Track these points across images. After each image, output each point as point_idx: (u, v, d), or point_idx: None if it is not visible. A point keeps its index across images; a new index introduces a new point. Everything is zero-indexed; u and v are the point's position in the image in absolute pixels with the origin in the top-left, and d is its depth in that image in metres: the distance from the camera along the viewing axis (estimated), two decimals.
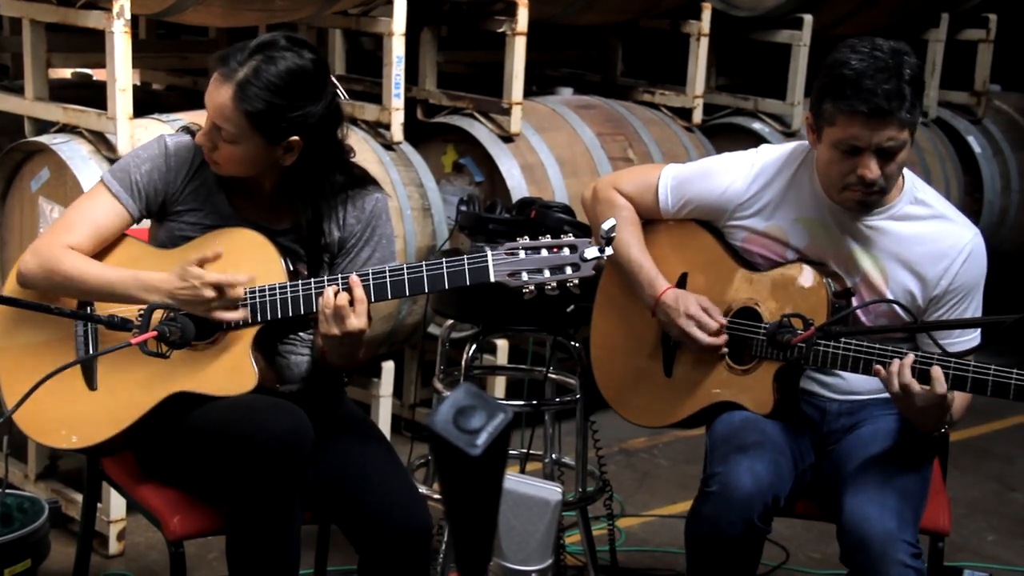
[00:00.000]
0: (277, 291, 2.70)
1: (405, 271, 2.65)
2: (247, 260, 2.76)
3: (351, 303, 2.63)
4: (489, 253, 2.61)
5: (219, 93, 2.68)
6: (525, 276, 2.60)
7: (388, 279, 2.67)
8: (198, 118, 4.16)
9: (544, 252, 2.61)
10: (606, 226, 2.61)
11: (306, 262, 2.85)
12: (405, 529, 2.70)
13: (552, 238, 2.62)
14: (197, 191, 2.83)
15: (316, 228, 2.83)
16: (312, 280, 2.70)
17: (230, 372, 2.72)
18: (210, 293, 2.66)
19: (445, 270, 2.63)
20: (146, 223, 2.94)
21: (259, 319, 2.71)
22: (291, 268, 2.76)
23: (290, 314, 2.70)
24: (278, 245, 2.78)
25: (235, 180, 2.82)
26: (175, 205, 2.83)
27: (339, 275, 2.71)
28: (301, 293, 2.69)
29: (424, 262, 2.66)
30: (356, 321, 2.62)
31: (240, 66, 2.67)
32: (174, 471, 2.83)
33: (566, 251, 2.62)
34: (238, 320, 2.70)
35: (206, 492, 2.78)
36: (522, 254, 2.61)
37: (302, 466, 2.61)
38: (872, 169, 2.84)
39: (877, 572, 2.73)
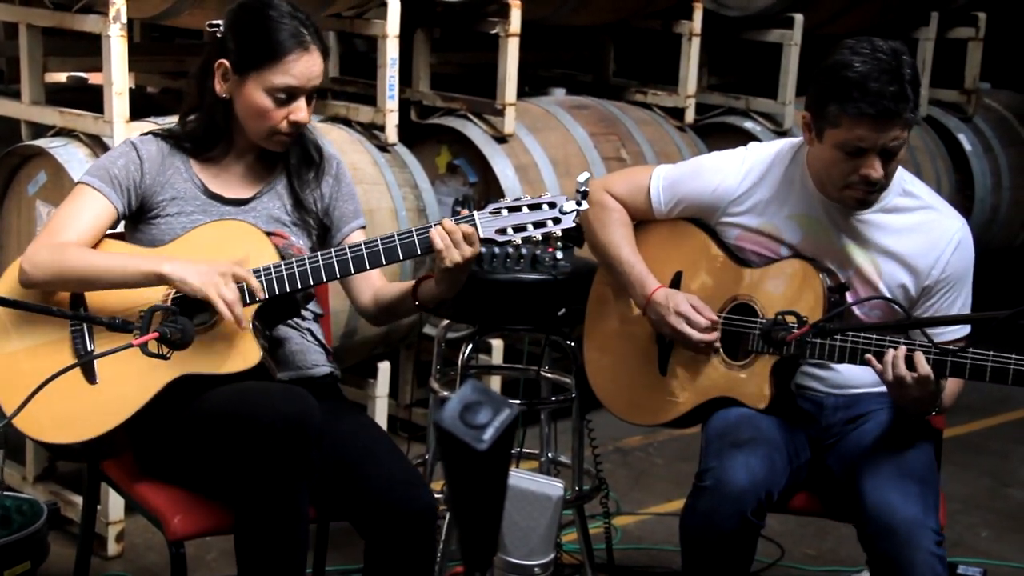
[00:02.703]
0: (272, 270, 2.76)
1: (397, 238, 2.76)
2: (239, 249, 2.80)
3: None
4: (476, 215, 2.75)
5: (314, 61, 2.84)
6: (511, 232, 2.75)
7: (380, 246, 2.77)
8: None
9: (525, 210, 2.76)
10: (581, 179, 2.74)
11: (288, 225, 2.94)
12: (409, 509, 2.72)
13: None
14: (172, 179, 2.90)
15: (301, 178, 2.97)
16: (306, 257, 2.78)
17: (232, 350, 2.75)
18: (228, 278, 2.70)
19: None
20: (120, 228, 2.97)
21: (257, 298, 2.75)
22: (282, 255, 2.82)
23: (287, 289, 2.77)
24: (264, 218, 2.90)
25: (207, 161, 2.93)
26: (156, 197, 2.88)
27: (333, 248, 2.80)
28: (296, 269, 2.76)
29: (414, 228, 2.78)
30: (474, 248, 2.75)
31: (315, 32, 2.85)
32: (176, 466, 2.84)
33: (545, 207, 2.76)
34: (236, 315, 2.71)
35: (209, 485, 2.79)
36: (505, 212, 2.75)
37: (309, 447, 2.64)
38: (877, 169, 2.88)
39: (903, 558, 2.76)
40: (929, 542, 2.76)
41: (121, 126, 3.80)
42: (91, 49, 3.97)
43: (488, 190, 4.86)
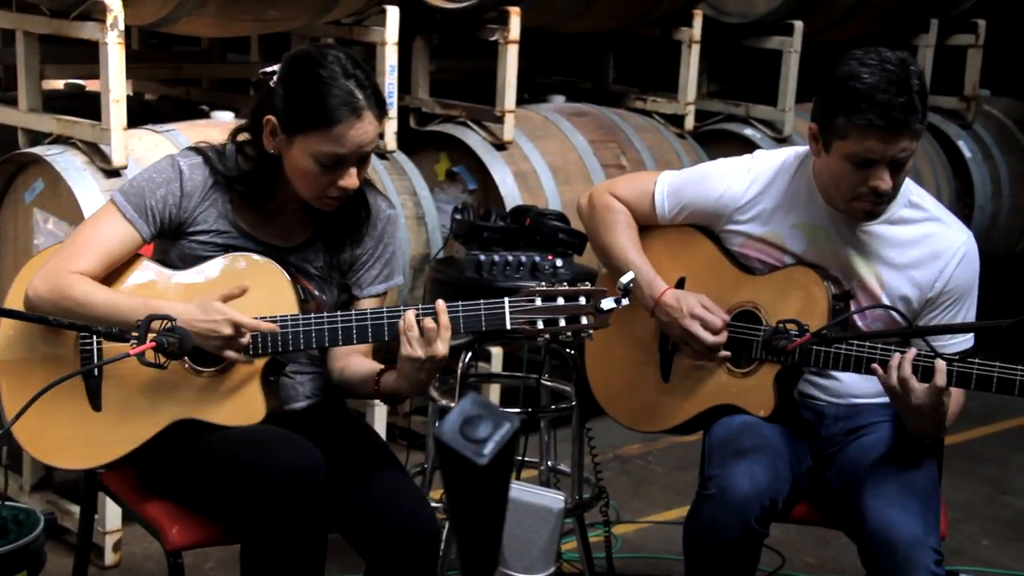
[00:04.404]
0: (289, 323, 2.69)
1: (420, 313, 2.65)
2: (258, 289, 2.74)
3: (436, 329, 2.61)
4: (506, 301, 2.63)
5: (366, 128, 2.67)
6: (540, 324, 2.62)
7: (354, 324, 2.68)
8: (191, 128, 4.17)
9: (560, 300, 2.63)
10: (624, 279, 2.63)
11: (317, 281, 2.86)
12: (412, 532, 2.69)
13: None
14: (210, 212, 2.80)
15: (339, 240, 2.85)
16: (325, 314, 2.70)
17: (239, 403, 2.71)
18: (228, 330, 2.64)
19: (461, 315, 2.64)
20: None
21: (269, 351, 2.70)
22: (303, 296, 2.76)
23: (301, 347, 2.70)
24: (291, 274, 2.77)
25: (251, 203, 2.81)
26: (187, 226, 2.79)
27: (385, 308, 2.70)
28: (314, 328, 2.68)
29: (385, 309, 2.68)
30: (442, 347, 2.60)
31: (372, 91, 2.68)
32: (178, 490, 2.82)
33: (582, 300, 2.64)
34: (243, 360, 2.68)
35: (209, 512, 2.78)
36: (538, 301, 2.63)
37: (316, 499, 2.61)
38: (886, 180, 2.86)
39: None
40: (929, 561, 2.74)
41: (119, 134, 3.79)
42: (88, 56, 3.96)
43: (487, 197, 4.85)
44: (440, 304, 2.62)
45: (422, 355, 2.61)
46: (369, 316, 2.68)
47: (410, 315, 2.61)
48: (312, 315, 2.70)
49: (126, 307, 2.71)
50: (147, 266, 2.83)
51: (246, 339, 2.66)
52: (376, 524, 2.71)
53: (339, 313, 2.70)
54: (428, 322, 2.60)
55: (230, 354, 2.67)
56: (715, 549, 2.87)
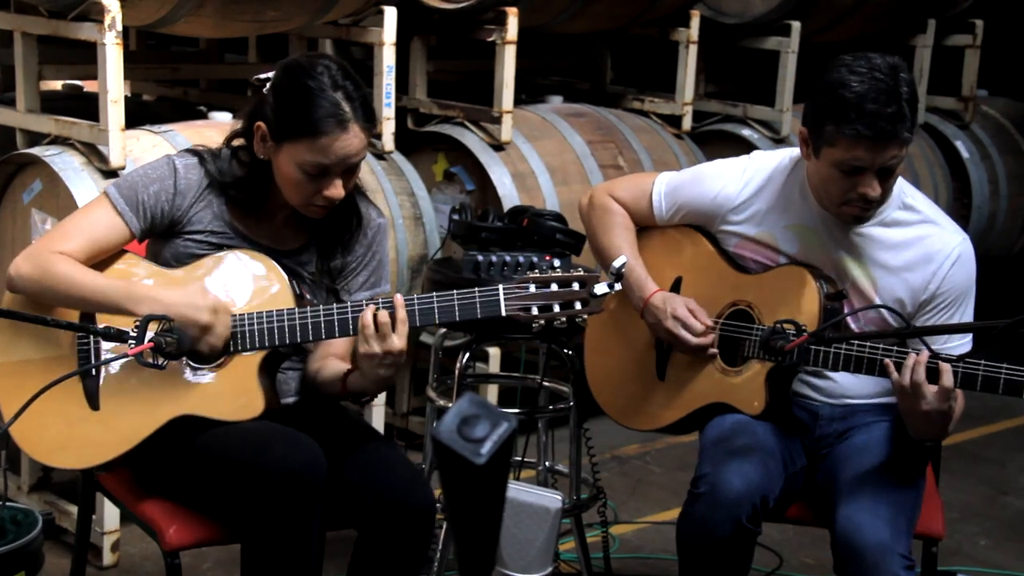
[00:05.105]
0: (285, 317, 2.69)
1: (416, 302, 2.66)
2: (253, 283, 2.75)
3: (392, 323, 2.62)
4: (500, 288, 2.64)
5: (351, 140, 2.69)
6: (535, 310, 2.64)
7: (323, 317, 2.69)
8: (189, 129, 4.17)
9: (554, 287, 2.64)
10: (617, 263, 2.64)
11: (309, 284, 2.86)
12: (408, 504, 2.70)
13: (563, 271, 2.66)
14: (204, 213, 2.81)
15: (331, 248, 2.87)
16: (321, 307, 2.70)
17: (237, 398, 2.71)
18: (206, 318, 2.65)
19: (456, 303, 2.65)
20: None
21: (267, 344, 2.70)
22: (298, 292, 2.77)
23: (298, 340, 2.70)
24: (285, 268, 2.78)
25: (244, 208, 2.83)
26: (183, 226, 2.81)
27: (364, 300, 2.72)
28: (310, 320, 2.69)
29: (435, 294, 2.67)
30: (398, 341, 2.62)
31: (360, 103, 2.69)
32: (177, 489, 2.82)
33: (576, 286, 2.65)
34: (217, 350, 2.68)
35: (208, 511, 2.78)
36: (532, 288, 2.64)
37: (317, 496, 2.62)
38: (875, 188, 2.87)
39: None
40: (897, 567, 2.74)
41: (117, 134, 3.79)
42: (86, 57, 3.96)
43: (485, 198, 4.85)
44: (398, 298, 2.64)
45: (378, 350, 2.62)
46: (336, 311, 2.69)
47: (367, 313, 2.62)
48: (275, 311, 2.70)
49: (109, 288, 2.71)
50: (139, 265, 2.83)
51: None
52: (371, 496, 2.71)
53: (308, 309, 2.70)
54: (383, 316, 2.62)
55: (211, 341, 2.66)
56: (707, 547, 2.88)
